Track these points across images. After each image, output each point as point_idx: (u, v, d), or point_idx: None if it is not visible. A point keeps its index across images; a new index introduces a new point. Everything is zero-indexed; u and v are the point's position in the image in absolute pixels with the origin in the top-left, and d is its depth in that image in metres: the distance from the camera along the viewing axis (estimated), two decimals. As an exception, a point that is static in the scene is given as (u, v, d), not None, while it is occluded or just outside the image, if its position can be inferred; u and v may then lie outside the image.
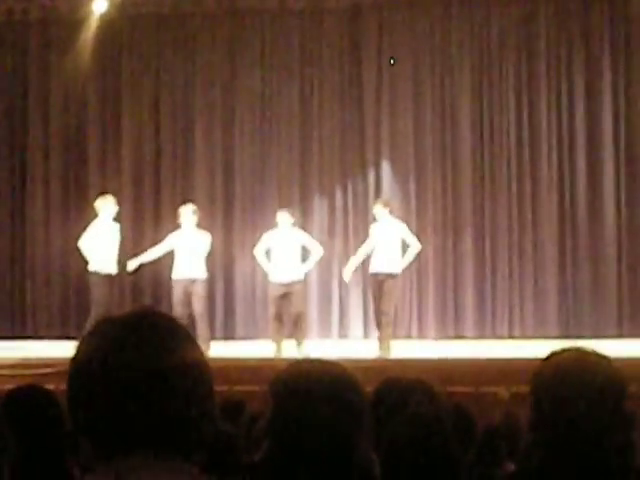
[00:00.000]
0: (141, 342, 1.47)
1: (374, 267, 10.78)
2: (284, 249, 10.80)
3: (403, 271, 12.73)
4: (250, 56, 13.65)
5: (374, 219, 11.16)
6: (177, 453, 1.46)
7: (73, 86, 13.68)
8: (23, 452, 3.28)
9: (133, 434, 1.45)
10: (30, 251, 13.75)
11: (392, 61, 13.32)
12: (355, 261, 11.24)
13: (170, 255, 11.16)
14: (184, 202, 11.69)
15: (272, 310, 10.88)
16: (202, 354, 1.53)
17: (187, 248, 10.84)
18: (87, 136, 13.81)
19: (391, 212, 11.01)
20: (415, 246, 11.00)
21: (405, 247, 10.99)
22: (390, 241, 10.74)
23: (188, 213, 10.99)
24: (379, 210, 10.89)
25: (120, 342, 1.47)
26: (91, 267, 11.15)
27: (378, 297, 10.70)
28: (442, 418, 2.87)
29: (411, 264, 11.77)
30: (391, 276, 10.67)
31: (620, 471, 2.04)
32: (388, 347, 10.48)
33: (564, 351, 2.15)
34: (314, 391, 2.20)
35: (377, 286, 10.70)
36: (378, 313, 10.77)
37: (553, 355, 2.15)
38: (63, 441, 3.20)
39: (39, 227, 13.76)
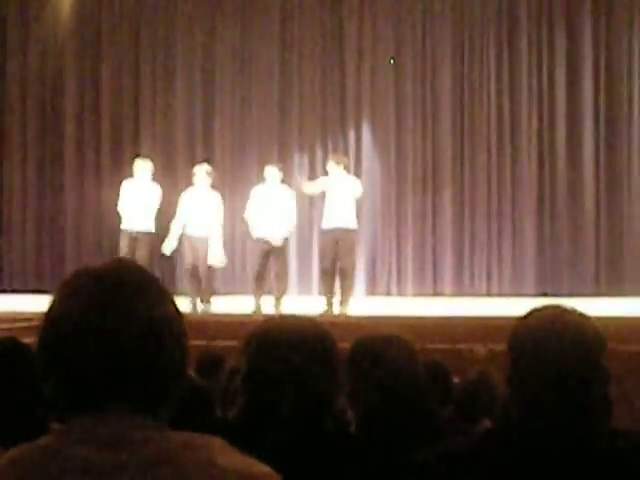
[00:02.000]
0: (112, 296, 1.45)
1: (328, 223, 10.65)
2: (270, 205, 10.70)
3: (383, 228, 12.81)
4: (230, 12, 13.54)
5: (326, 174, 11.03)
6: (146, 408, 1.46)
7: (52, 35, 13.54)
8: (0, 406, 3.27)
9: (101, 389, 1.44)
10: (6, 206, 13.70)
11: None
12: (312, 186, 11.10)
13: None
14: (200, 162, 11.54)
15: (257, 267, 10.82)
16: (176, 309, 1.51)
17: (198, 207, 10.84)
18: (65, 86, 13.69)
19: (346, 169, 10.87)
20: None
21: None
22: (344, 197, 10.58)
23: (202, 173, 10.96)
24: (332, 167, 10.75)
25: (91, 296, 1.46)
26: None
27: (333, 255, 10.58)
28: (418, 374, 2.87)
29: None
30: (349, 231, 10.57)
31: (596, 428, 2.05)
32: (348, 304, 10.49)
33: (543, 308, 2.15)
34: (287, 347, 2.19)
35: (332, 242, 10.55)
36: (330, 272, 10.66)
37: (532, 312, 2.14)
38: (39, 394, 3.20)
39: (15, 181, 13.69)
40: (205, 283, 10.95)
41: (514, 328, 2.12)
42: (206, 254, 10.85)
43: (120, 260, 1.55)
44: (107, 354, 1.43)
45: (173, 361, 1.48)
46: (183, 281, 11.23)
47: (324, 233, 10.81)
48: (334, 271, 10.61)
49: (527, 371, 2.05)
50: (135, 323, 1.45)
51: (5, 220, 13.69)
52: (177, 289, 11.66)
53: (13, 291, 13.07)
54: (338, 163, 10.73)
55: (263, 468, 1.46)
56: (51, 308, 1.49)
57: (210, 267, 11.00)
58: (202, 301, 10.80)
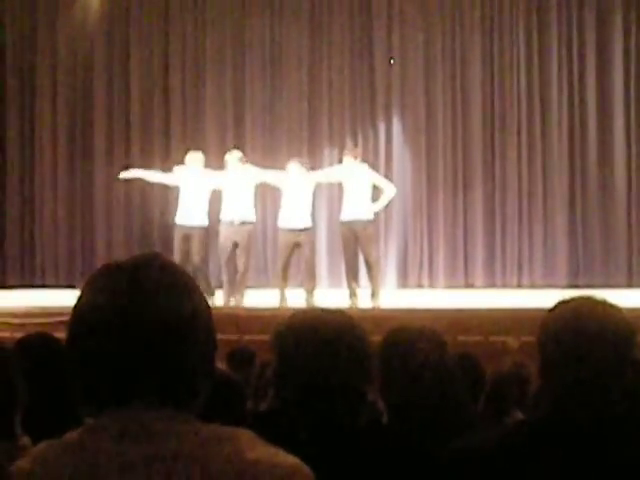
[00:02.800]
0: (140, 291, 1.46)
1: (345, 215, 10.60)
2: (296, 196, 10.70)
3: (414, 220, 12.78)
4: (260, 3, 13.55)
5: (340, 163, 10.97)
6: (175, 402, 1.46)
7: (81, 27, 13.59)
8: (34, 400, 3.30)
9: (130, 383, 1.45)
10: (38, 204, 13.79)
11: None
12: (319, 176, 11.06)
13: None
14: (230, 149, 11.50)
15: (282, 259, 10.79)
16: (205, 303, 1.52)
17: (232, 194, 10.81)
18: (94, 79, 13.76)
19: (362, 162, 10.83)
20: (390, 189, 10.80)
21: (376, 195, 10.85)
22: (360, 188, 10.53)
23: (234, 160, 10.95)
24: (348, 160, 10.71)
25: (119, 291, 1.46)
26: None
27: (354, 247, 10.54)
28: (450, 367, 2.87)
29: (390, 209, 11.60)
30: (367, 222, 10.52)
31: (628, 419, 2.04)
32: (379, 296, 10.49)
33: (572, 300, 2.14)
34: (317, 340, 2.19)
35: (352, 235, 10.51)
36: (353, 263, 10.65)
37: (561, 304, 2.14)
38: (71, 388, 3.22)
39: (47, 181, 13.80)
40: (242, 274, 10.86)
41: (543, 320, 2.12)
42: (245, 241, 10.80)
43: (148, 254, 1.55)
44: (135, 349, 1.44)
45: (201, 355, 1.49)
46: (221, 272, 11.04)
47: (342, 225, 10.81)
48: (356, 263, 10.63)
49: (556, 362, 2.05)
50: (163, 318, 1.45)
51: (37, 216, 13.79)
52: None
53: (45, 286, 13.18)
54: (356, 157, 10.74)
55: (292, 459, 1.46)
56: (79, 302, 1.50)
57: (248, 258, 10.90)
58: (236, 294, 10.76)
